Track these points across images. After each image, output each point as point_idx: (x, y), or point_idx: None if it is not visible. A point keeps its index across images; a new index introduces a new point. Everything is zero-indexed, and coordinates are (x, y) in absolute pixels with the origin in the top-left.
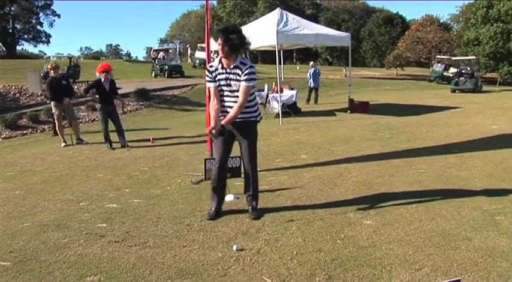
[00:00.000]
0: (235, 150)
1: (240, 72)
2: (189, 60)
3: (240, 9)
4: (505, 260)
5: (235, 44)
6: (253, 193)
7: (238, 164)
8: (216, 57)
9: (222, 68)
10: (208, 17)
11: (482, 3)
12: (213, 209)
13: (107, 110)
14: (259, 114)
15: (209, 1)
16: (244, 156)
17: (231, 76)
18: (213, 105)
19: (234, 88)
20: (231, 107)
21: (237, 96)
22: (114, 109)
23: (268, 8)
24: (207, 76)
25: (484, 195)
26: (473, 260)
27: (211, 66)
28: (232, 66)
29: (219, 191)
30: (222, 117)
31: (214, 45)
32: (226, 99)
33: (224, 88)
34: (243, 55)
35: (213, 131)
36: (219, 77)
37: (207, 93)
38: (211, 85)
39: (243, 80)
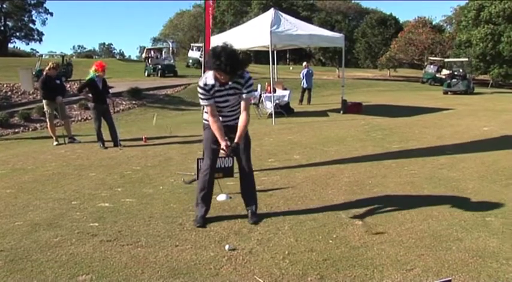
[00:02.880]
0: None
1: (239, 86)
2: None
3: (233, 9)
4: (495, 260)
5: (241, 72)
6: (252, 196)
7: (231, 164)
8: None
9: (220, 85)
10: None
11: (474, 6)
12: (200, 215)
13: (100, 109)
14: None
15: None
16: (242, 158)
17: (231, 91)
18: (215, 125)
19: (232, 102)
20: (230, 119)
21: (234, 107)
22: (107, 108)
23: (262, 8)
24: (204, 95)
25: (475, 197)
26: (464, 260)
27: (206, 85)
28: (231, 82)
29: (208, 197)
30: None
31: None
32: (223, 112)
33: (221, 104)
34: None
35: (227, 151)
36: (217, 94)
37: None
38: (210, 103)
39: (245, 93)
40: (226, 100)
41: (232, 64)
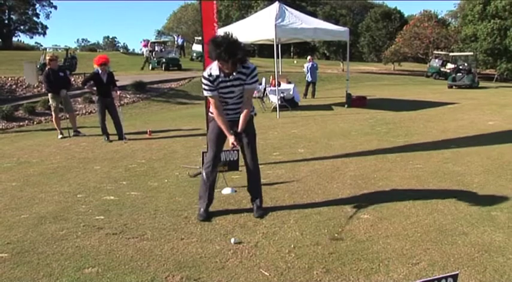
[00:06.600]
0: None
1: (244, 77)
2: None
3: (238, 2)
4: (501, 254)
5: (242, 59)
6: (257, 190)
7: (236, 157)
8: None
9: (225, 76)
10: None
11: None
12: (203, 209)
13: (104, 102)
14: (254, 108)
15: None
16: (246, 152)
17: (235, 82)
18: (220, 117)
19: (237, 93)
20: (233, 110)
21: (238, 100)
22: (112, 101)
23: (267, 4)
24: (208, 86)
25: (481, 191)
26: (469, 254)
27: (211, 75)
28: (235, 73)
29: (211, 191)
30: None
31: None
32: (228, 105)
33: (225, 95)
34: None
35: (236, 144)
36: (221, 85)
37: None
38: (213, 94)
39: (249, 83)
40: (232, 91)
41: (232, 53)
